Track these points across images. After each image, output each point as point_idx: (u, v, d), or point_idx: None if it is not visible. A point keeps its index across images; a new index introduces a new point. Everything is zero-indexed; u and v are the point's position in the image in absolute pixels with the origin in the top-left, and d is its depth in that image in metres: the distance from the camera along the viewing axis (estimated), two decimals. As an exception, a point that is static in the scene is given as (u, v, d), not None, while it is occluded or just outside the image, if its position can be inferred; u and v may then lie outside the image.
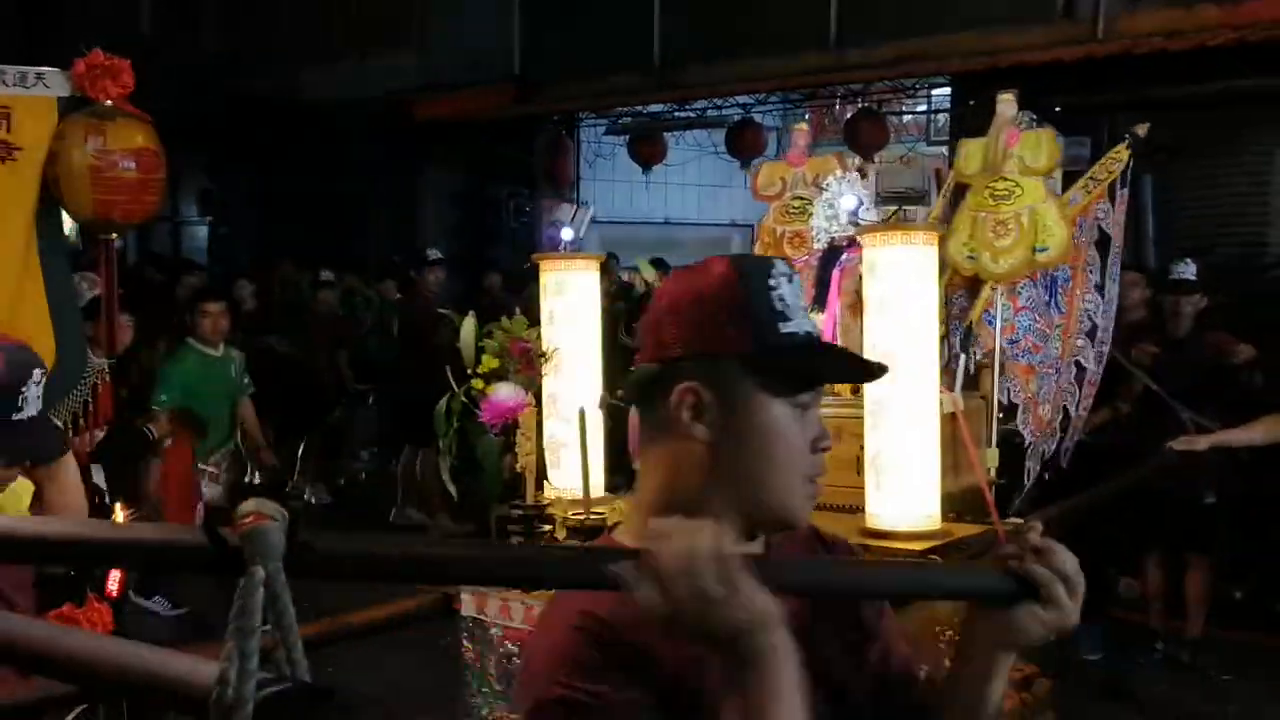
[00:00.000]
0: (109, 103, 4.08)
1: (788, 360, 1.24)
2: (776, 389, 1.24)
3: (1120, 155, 4.00)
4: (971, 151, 3.59)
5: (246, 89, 14.03)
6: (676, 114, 11.23)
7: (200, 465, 6.06)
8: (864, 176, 3.63)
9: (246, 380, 6.50)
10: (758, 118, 10.86)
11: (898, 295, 2.61)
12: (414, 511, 8.35)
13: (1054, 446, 3.81)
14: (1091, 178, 3.95)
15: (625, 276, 10.42)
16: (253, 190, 14.72)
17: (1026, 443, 3.77)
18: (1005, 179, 3.45)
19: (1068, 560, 1.20)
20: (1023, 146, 3.45)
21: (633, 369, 1.30)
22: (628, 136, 11.41)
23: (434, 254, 9.29)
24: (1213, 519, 5.46)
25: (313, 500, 8.90)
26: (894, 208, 3.00)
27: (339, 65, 13.62)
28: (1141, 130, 4.13)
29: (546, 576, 1.12)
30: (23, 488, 2.39)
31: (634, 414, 2.44)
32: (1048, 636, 1.21)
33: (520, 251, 12.97)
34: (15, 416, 2.10)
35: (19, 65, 4.00)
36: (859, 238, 2.78)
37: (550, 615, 1.23)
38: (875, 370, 1.29)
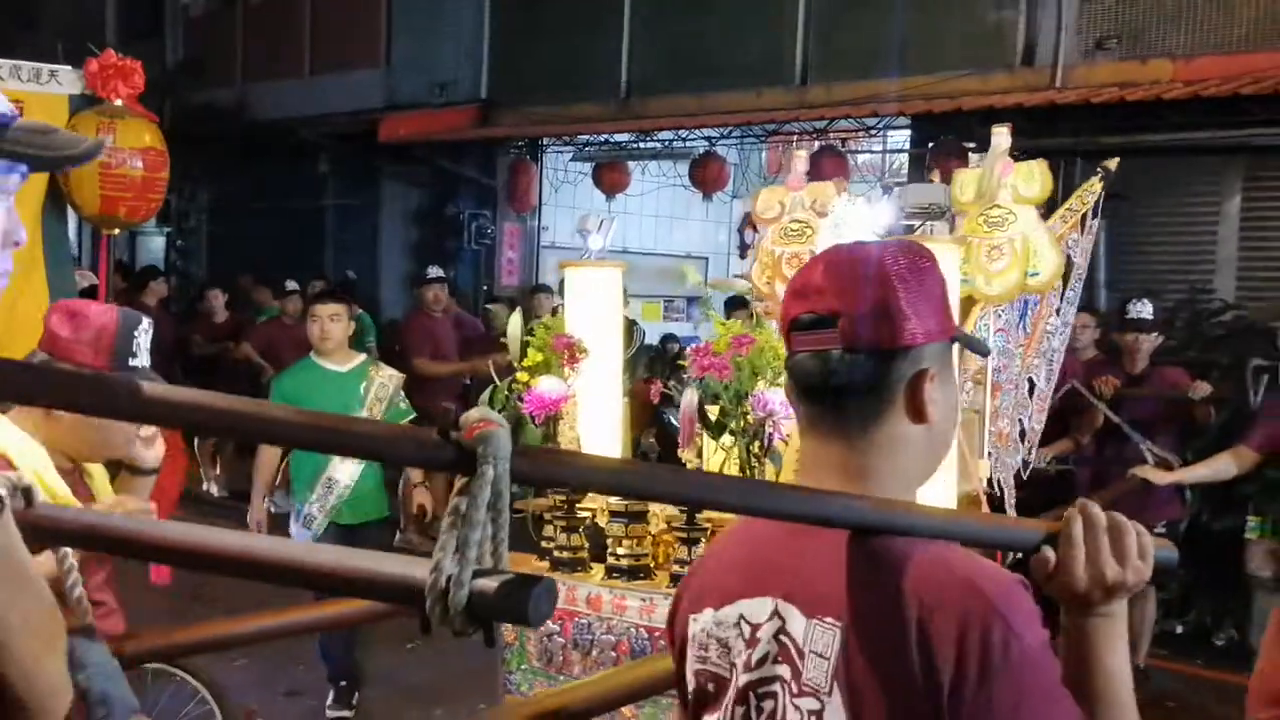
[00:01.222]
0: (119, 102, 4.16)
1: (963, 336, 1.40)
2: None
3: (1094, 188, 4.23)
4: (966, 180, 3.77)
5: (208, 102, 14.00)
6: (641, 144, 11.40)
7: (300, 505, 5.23)
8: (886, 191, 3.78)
9: (402, 404, 5.27)
10: (720, 151, 11.07)
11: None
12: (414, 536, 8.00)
13: (1019, 460, 4.00)
14: (1069, 208, 4.17)
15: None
16: (212, 203, 14.65)
17: (987, 453, 3.95)
18: (999, 206, 3.62)
19: (1085, 522, 1.28)
20: (1016, 176, 3.63)
21: (861, 350, 1.26)
22: (592, 164, 11.56)
23: (434, 271, 9.04)
24: None
25: (286, 510, 8.80)
26: (919, 223, 3.15)
27: (302, 81, 13.67)
28: (1112, 165, 4.37)
29: (959, 535, 1.26)
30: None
31: (690, 405, 2.58)
32: (1067, 590, 1.24)
33: (480, 273, 13.06)
34: (132, 363, 2.25)
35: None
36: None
37: (979, 571, 1.21)
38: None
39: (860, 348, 1.26)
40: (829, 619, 1.23)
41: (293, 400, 4.90)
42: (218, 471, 9.47)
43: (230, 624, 2.60)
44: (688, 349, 2.58)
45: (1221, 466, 5.01)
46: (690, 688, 1.40)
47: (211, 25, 14.59)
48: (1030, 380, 4.11)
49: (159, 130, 4.30)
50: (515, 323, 2.70)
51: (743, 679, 1.31)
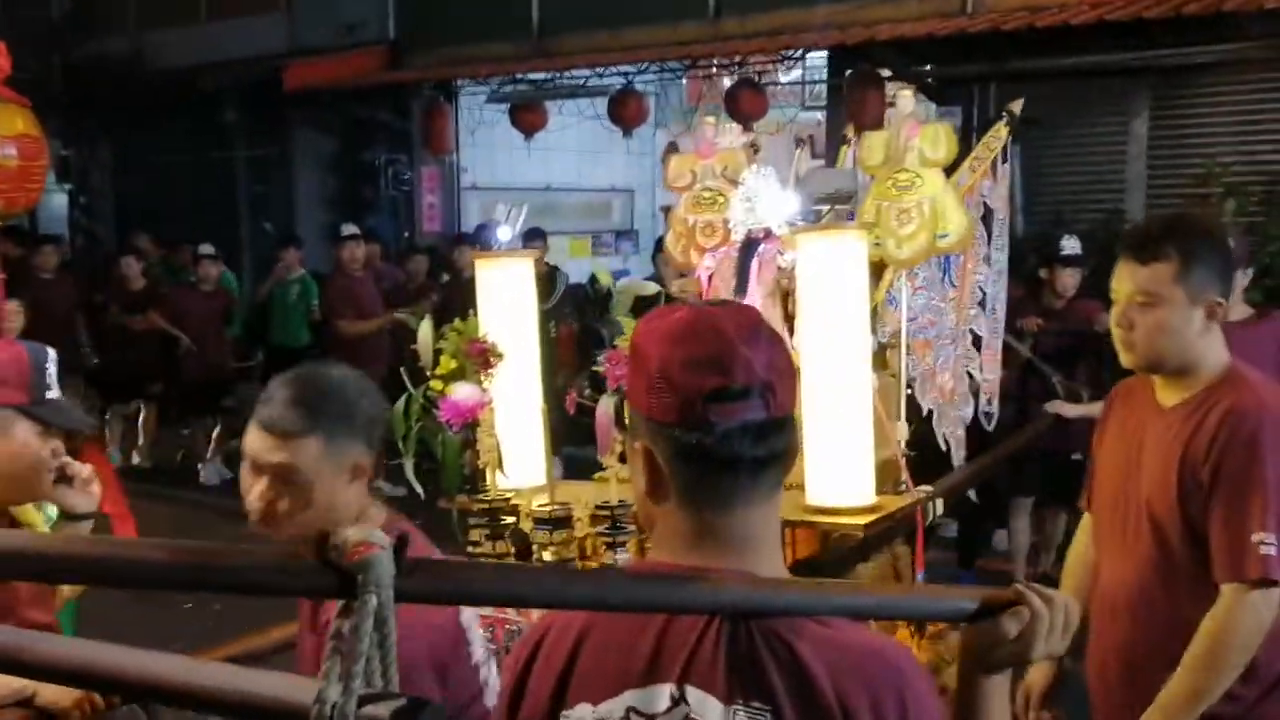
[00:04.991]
0: (-13, 87, 3.95)
1: None
2: None
3: (1000, 133, 4.25)
4: (874, 144, 3.76)
5: (100, 52, 13.48)
6: (558, 81, 11.23)
7: None
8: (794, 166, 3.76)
9: None
10: (639, 85, 10.95)
11: (831, 290, 2.80)
12: None
13: (970, 412, 4.07)
14: (976, 157, 4.20)
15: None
16: (113, 158, 14.19)
17: (925, 410, 4.01)
18: (906, 170, 3.63)
19: (1046, 602, 1.30)
20: (922, 139, 3.62)
21: (783, 418, 1.30)
22: (509, 105, 11.37)
23: (349, 229, 8.71)
24: (1078, 474, 5.87)
25: (215, 481, 8.69)
26: (826, 207, 3.15)
27: (199, 27, 13.21)
28: (1016, 107, 4.39)
29: (901, 611, 1.33)
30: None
31: (605, 413, 2.59)
32: (1018, 658, 1.30)
33: (401, 219, 12.88)
34: (49, 396, 2.25)
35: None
36: (794, 237, 2.95)
37: (883, 641, 1.30)
38: None
39: (780, 414, 1.29)
40: (755, 704, 1.21)
41: None
42: (140, 441, 9.33)
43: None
44: (601, 356, 2.58)
45: None
46: None
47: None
48: (972, 332, 4.18)
49: (32, 115, 4.09)
50: (425, 330, 2.67)
51: None
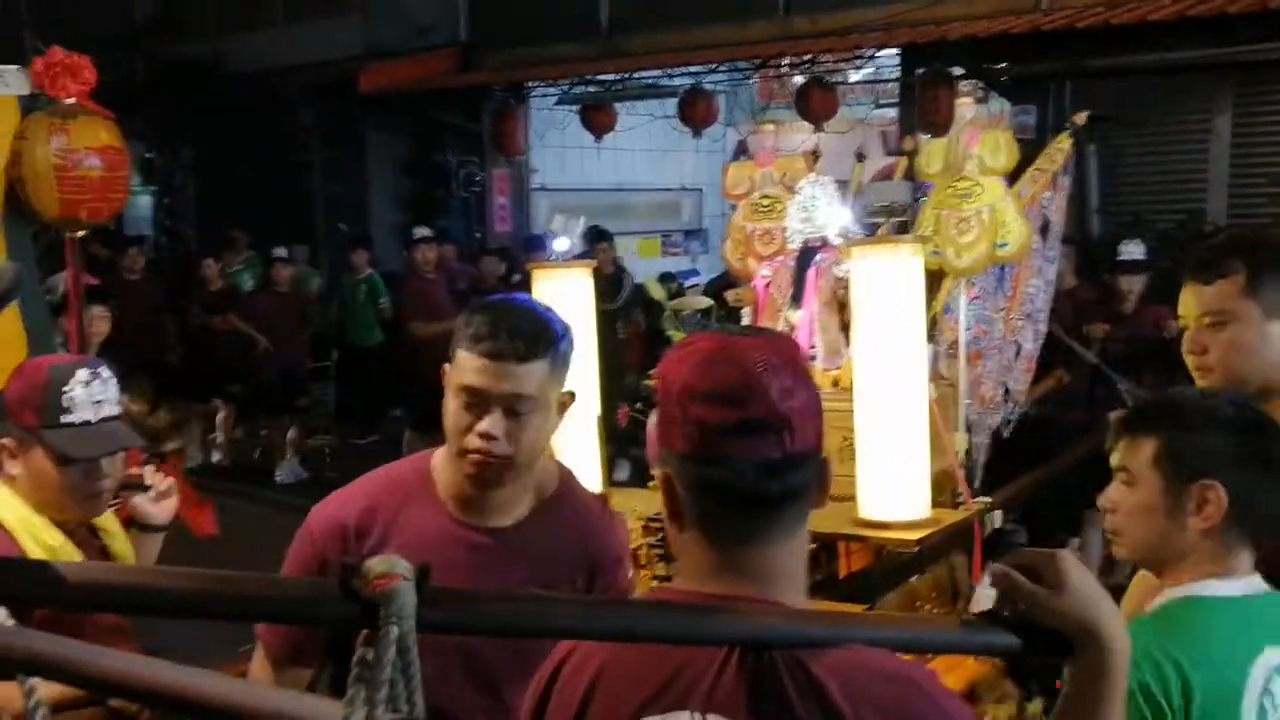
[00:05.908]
0: (70, 100, 4.06)
1: None
2: None
3: (1063, 145, 4.20)
4: (933, 152, 3.74)
5: (182, 56, 13.80)
6: (627, 82, 11.26)
7: None
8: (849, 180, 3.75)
9: None
10: (708, 85, 10.92)
11: (887, 304, 2.78)
12: None
13: (998, 419, 4.04)
14: (1038, 169, 4.15)
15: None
16: (197, 160, 14.53)
17: (969, 420, 3.98)
18: (966, 178, 3.60)
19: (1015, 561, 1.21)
20: (982, 147, 3.59)
21: (803, 455, 1.25)
22: (579, 106, 11.43)
23: (420, 231, 8.81)
24: None
25: (291, 480, 8.86)
26: (882, 219, 3.13)
27: (277, 31, 13.46)
28: (1080, 119, 4.33)
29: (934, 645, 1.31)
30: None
31: (653, 424, 2.60)
32: (1074, 625, 1.17)
33: (471, 220, 13.01)
34: (66, 419, 2.15)
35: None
36: (852, 250, 2.94)
37: (900, 662, 1.24)
38: None
39: (799, 451, 1.24)
40: None
41: None
42: (219, 440, 9.54)
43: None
44: (652, 375, 2.58)
45: None
46: None
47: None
48: (1017, 343, 4.14)
49: (115, 126, 4.20)
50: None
51: None
